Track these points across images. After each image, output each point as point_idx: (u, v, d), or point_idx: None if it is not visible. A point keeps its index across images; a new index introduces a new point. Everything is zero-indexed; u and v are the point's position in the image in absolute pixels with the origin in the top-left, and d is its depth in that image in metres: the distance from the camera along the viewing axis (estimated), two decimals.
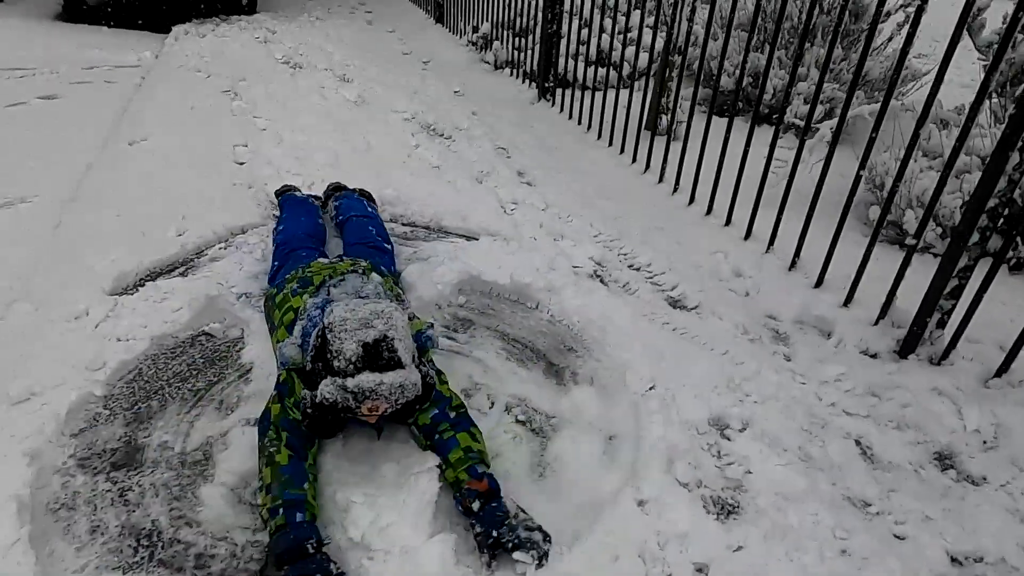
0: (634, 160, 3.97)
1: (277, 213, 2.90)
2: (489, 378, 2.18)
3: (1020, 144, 1.97)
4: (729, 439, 2.01)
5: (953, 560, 1.69)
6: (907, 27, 2.36)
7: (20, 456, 1.71)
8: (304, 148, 3.69)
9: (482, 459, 1.73)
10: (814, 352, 2.43)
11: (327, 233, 2.76)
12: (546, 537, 1.61)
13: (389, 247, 2.60)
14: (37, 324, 2.21)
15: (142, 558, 1.57)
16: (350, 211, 2.76)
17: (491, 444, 1.94)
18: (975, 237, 2.13)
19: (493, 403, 2.08)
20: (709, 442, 1.99)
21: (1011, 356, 2.21)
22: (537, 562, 1.56)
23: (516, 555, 1.56)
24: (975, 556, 1.70)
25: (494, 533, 1.58)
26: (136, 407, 1.97)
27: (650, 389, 2.15)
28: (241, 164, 3.50)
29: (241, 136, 3.83)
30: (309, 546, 1.50)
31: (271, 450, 1.66)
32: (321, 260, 2.30)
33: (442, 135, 4.22)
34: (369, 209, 2.82)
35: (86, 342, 2.14)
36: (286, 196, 2.92)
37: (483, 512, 1.62)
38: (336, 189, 3.04)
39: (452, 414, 1.81)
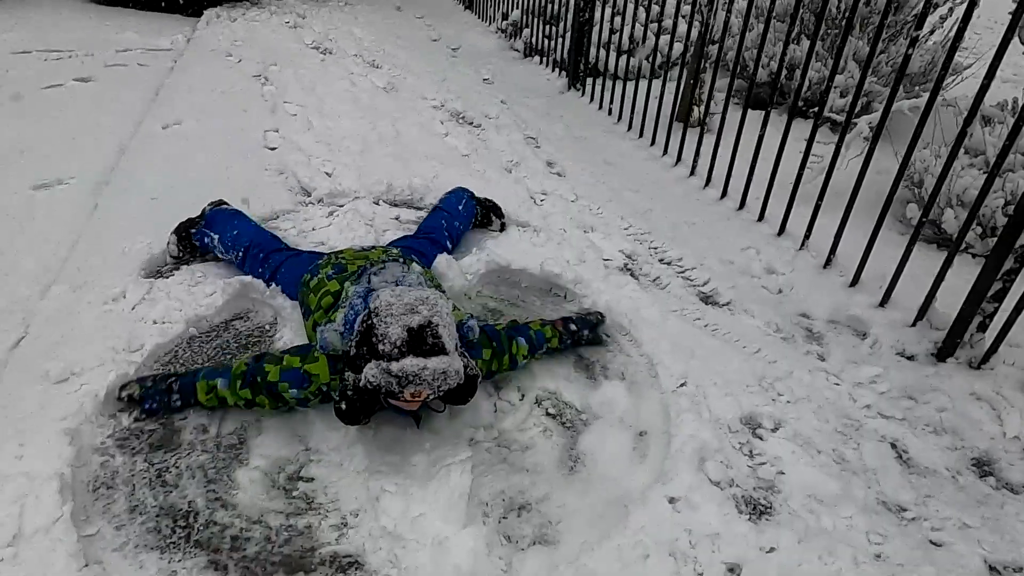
0: (665, 152, 3.93)
1: (205, 227, 2.54)
2: (520, 372, 2.17)
3: None
4: (761, 439, 1.99)
5: (992, 569, 1.66)
6: (952, 19, 2.29)
7: (61, 435, 1.74)
8: (333, 134, 3.70)
9: (549, 320, 2.22)
10: (848, 353, 2.39)
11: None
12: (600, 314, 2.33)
13: (448, 246, 2.59)
14: (75, 306, 2.25)
15: (179, 538, 1.60)
16: (444, 203, 2.79)
17: (521, 437, 1.95)
18: (1023, 239, 2.07)
19: (523, 395, 2.08)
20: (741, 441, 1.97)
21: None
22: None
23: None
24: (1015, 567, 1.67)
25: (590, 322, 2.29)
26: None
27: (681, 386, 2.13)
28: (272, 149, 3.52)
29: (272, 121, 3.85)
30: (169, 380, 1.89)
31: (238, 369, 1.84)
32: (352, 247, 2.31)
33: (471, 123, 4.21)
34: (460, 207, 2.76)
35: (123, 324, 2.17)
36: (219, 210, 2.61)
37: (577, 324, 2.24)
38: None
39: (523, 327, 2.11)
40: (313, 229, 2.81)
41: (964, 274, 2.43)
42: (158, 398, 1.87)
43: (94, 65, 4.66)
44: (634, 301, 2.51)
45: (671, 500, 1.73)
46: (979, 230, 3.13)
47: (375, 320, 1.61)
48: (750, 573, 1.58)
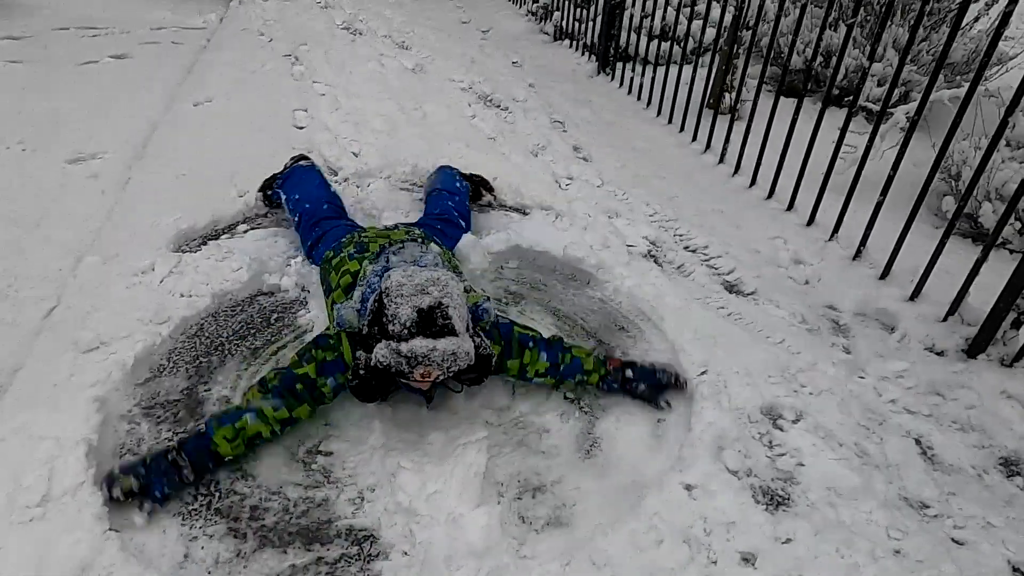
0: (694, 139, 3.87)
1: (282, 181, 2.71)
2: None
3: None
4: (782, 429, 1.96)
5: (1015, 570, 1.63)
6: (998, 6, 2.21)
7: (89, 401, 1.78)
8: (361, 114, 3.71)
9: (598, 353, 2.02)
10: (875, 346, 2.35)
11: (342, 200, 2.68)
12: (676, 371, 2.02)
13: (464, 225, 2.58)
14: (106, 277, 2.29)
15: (201, 506, 1.64)
16: (439, 184, 2.76)
17: (538, 419, 1.95)
18: None
19: None
20: (761, 431, 1.95)
21: None
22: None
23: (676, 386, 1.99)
24: None
25: (654, 379, 1.98)
26: (198, 362, 2.03)
27: (702, 374, 2.11)
28: (300, 128, 3.54)
29: (300, 101, 3.87)
30: (169, 454, 1.63)
31: (256, 399, 1.73)
32: (377, 226, 2.32)
33: (498, 106, 4.18)
34: (457, 184, 2.76)
35: (151, 296, 2.21)
36: (295, 168, 2.77)
37: (637, 372, 1.97)
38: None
39: (556, 345, 1.95)
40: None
41: (1000, 270, 2.35)
42: (165, 479, 1.60)
43: (129, 42, 4.72)
44: (657, 288, 2.48)
45: (687, 487, 1.72)
46: (1018, 225, 3.04)
47: (386, 300, 1.61)
48: (765, 563, 1.57)
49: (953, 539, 1.69)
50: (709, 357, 2.17)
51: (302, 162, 2.81)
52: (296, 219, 2.49)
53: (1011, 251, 2.98)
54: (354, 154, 3.27)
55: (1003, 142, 3.17)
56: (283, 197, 2.60)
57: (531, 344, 1.89)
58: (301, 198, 2.54)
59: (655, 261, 2.71)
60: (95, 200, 2.78)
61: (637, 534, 1.59)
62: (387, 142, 3.43)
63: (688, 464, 1.78)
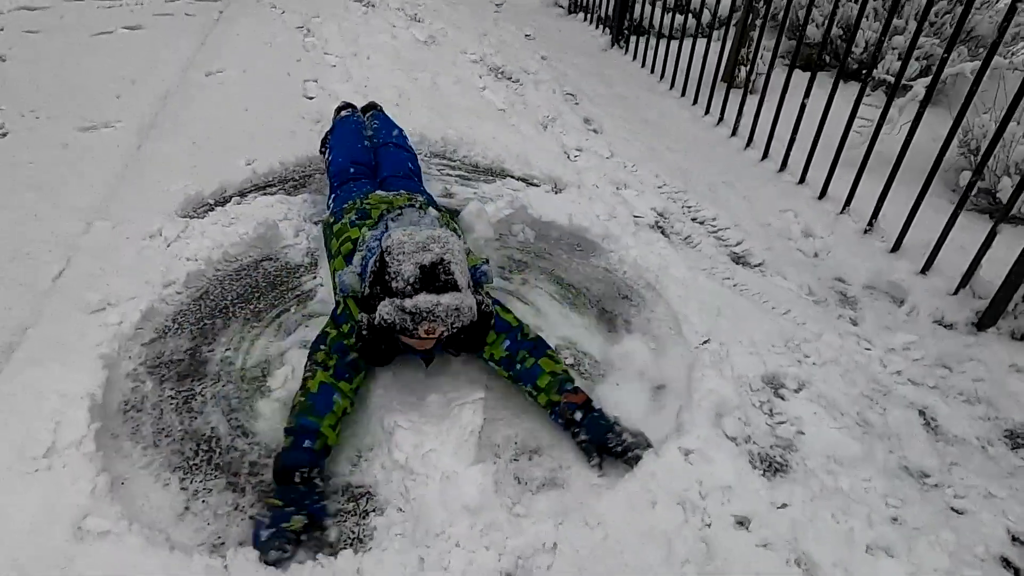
0: (707, 112, 3.81)
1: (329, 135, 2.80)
2: (541, 320, 2.18)
3: None
4: (783, 398, 1.95)
5: (1015, 539, 1.61)
6: None
7: (96, 359, 1.82)
8: (371, 85, 3.70)
9: (568, 377, 1.81)
10: (883, 319, 2.32)
11: (372, 152, 2.70)
12: (648, 442, 1.72)
13: (420, 183, 2.59)
14: (115, 241, 2.32)
15: (202, 461, 1.67)
16: (388, 138, 2.74)
17: None
18: None
19: None
20: (762, 399, 1.94)
21: None
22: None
23: (626, 459, 1.68)
24: None
25: (602, 439, 1.69)
26: (202, 323, 2.06)
27: (704, 343, 2.10)
28: (311, 99, 3.54)
29: (312, 72, 3.86)
30: (298, 474, 1.53)
31: (307, 375, 1.72)
32: (379, 192, 2.32)
33: (510, 79, 4.15)
34: (407, 138, 2.78)
35: (159, 260, 2.23)
36: (338, 121, 2.89)
37: (587, 421, 1.72)
38: (371, 107, 3.07)
39: (526, 342, 1.84)
40: None
41: (1014, 244, 2.30)
42: (314, 497, 1.54)
43: (143, 14, 4.73)
44: (663, 258, 2.47)
45: (685, 452, 1.72)
46: None
47: (388, 259, 1.62)
48: (759, 526, 1.57)
49: (953, 508, 1.67)
50: (712, 326, 2.16)
51: (343, 112, 2.91)
52: (329, 180, 2.55)
53: None
54: None
55: (1022, 115, 3.08)
56: (327, 153, 2.68)
57: (504, 330, 1.84)
58: (335, 156, 2.60)
59: (662, 232, 2.69)
60: (107, 167, 2.80)
61: (632, 496, 1.59)
62: (396, 112, 3.40)
63: (687, 430, 1.78)
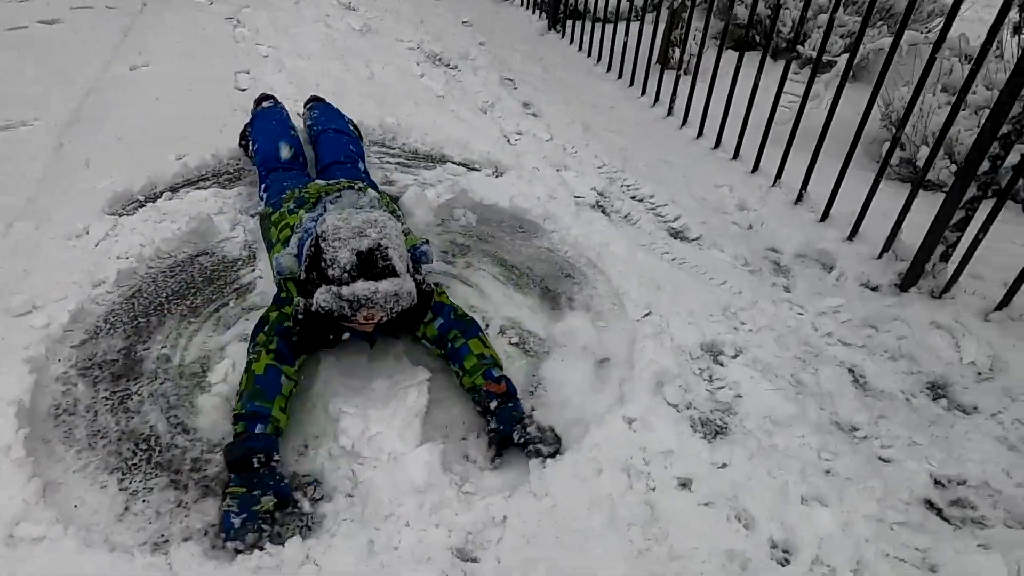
0: (643, 93, 3.87)
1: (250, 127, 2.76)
2: (485, 302, 2.19)
3: None
4: (722, 364, 2.01)
5: (936, 483, 1.71)
6: None
7: (21, 364, 1.74)
8: (306, 75, 3.63)
9: (496, 363, 1.78)
10: (814, 284, 2.41)
11: (300, 142, 2.67)
12: (557, 438, 1.68)
13: (363, 167, 2.57)
14: (38, 241, 2.23)
15: (141, 461, 1.62)
16: (327, 124, 2.71)
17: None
18: (985, 166, 2.07)
19: (488, 325, 2.09)
20: (701, 367, 2.00)
21: (1012, 290, 2.18)
22: (545, 459, 1.62)
23: (527, 451, 1.63)
24: (959, 480, 1.72)
25: (508, 430, 1.65)
26: (136, 322, 1.99)
27: (645, 316, 2.15)
28: (243, 90, 3.45)
29: (243, 63, 3.76)
30: (256, 459, 1.51)
31: (252, 357, 1.69)
32: (318, 182, 2.29)
33: (448, 65, 4.13)
34: (348, 125, 2.76)
35: (87, 260, 2.15)
36: (259, 112, 2.83)
37: (500, 411, 1.68)
38: (313, 99, 3.02)
39: (459, 322, 1.84)
40: None
41: (932, 209, 2.42)
42: (277, 478, 1.53)
43: (60, 7, 4.51)
44: (603, 236, 2.51)
45: (628, 421, 1.76)
46: (953, 167, 3.12)
47: (323, 244, 1.60)
48: (700, 486, 1.62)
49: (880, 457, 1.77)
50: (652, 299, 2.21)
51: (264, 103, 2.83)
52: (257, 168, 2.50)
53: (945, 192, 3.06)
54: (299, 114, 3.20)
55: (939, 88, 3.24)
56: (251, 145, 2.62)
57: (438, 311, 1.84)
58: (260, 145, 2.55)
59: (602, 211, 2.73)
60: (26, 167, 2.67)
61: (578, 465, 1.63)
62: (334, 102, 3.36)
63: (629, 400, 1.82)
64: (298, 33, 4.28)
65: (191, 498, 1.56)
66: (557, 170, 2.97)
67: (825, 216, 2.72)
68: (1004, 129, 1.99)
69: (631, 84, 4.00)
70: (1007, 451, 1.80)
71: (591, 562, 1.45)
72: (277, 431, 1.61)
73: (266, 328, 1.73)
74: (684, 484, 1.63)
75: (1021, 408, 1.93)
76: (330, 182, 2.27)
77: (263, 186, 2.38)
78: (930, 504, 1.66)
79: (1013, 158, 2.11)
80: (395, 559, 1.42)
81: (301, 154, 2.59)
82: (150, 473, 1.60)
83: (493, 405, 1.69)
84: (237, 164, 2.82)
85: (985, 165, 2.07)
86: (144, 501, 1.54)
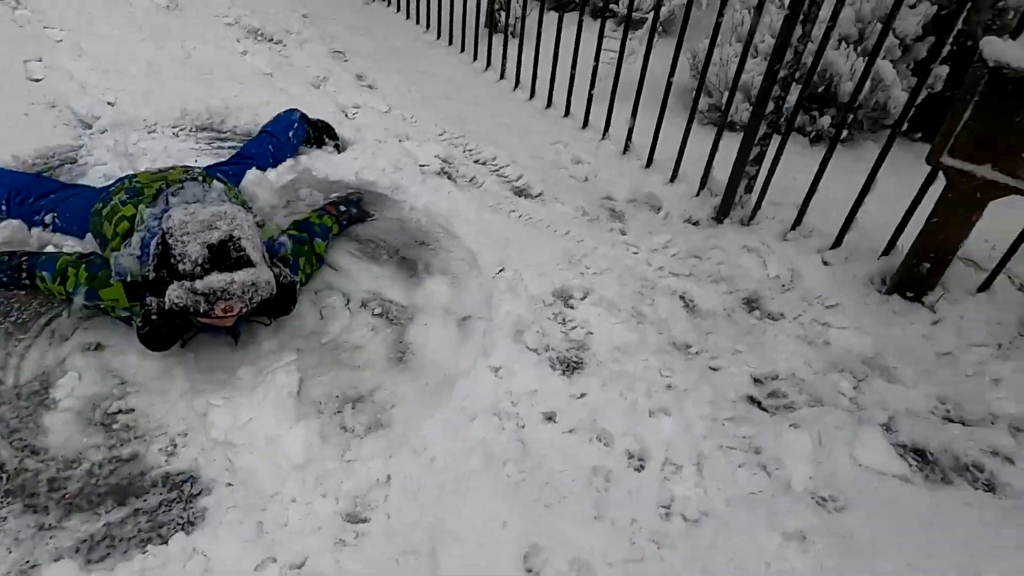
0: (475, 58, 3.96)
1: None
2: (343, 279, 2.21)
3: (802, 17, 2.21)
4: (572, 307, 2.20)
5: (756, 381, 2.01)
6: None
7: None
8: (111, 59, 3.33)
9: (321, 214, 2.25)
10: (645, 225, 2.67)
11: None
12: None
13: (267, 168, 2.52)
14: None
15: None
16: (271, 126, 2.68)
17: (349, 338, 2.00)
18: (770, 106, 2.38)
19: (349, 300, 2.12)
20: (554, 312, 2.17)
21: (802, 212, 2.55)
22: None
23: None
24: (772, 375, 2.03)
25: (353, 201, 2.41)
26: None
27: (499, 272, 2.28)
28: (37, 81, 3.10)
29: (32, 50, 3.36)
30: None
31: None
32: (149, 169, 2.16)
33: (271, 40, 3.95)
34: (290, 131, 2.66)
35: None
36: None
37: (345, 206, 2.37)
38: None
39: (308, 225, 2.15)
40: (103, 163, 2.58)
41: (735, 148, 2.74)
42: (10, 272, 1.90)
43: None
44: (452, 201, 2.60)
45: (494, 370, 1.90)
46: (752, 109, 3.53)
47: (170, 241, 1.56)
48: (563, 417, 1.80)
49: (710, 367, 2.04)
50: (504, 256, 2.35)
51: None
52: (1, 206, 2.16)
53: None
54: (109, 103, 2.96)
55: (735, 38, 3.62)
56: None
57: (310, 234, 2.11)
58: (8, 181, 2.20)
59: (448, 177, 2.81)
60: None
61: (451, 418, 1.74)
62: (149, 87, 3.14)
63: (492, 351, 1.95)
64: (92, 13, 3.87)
65: (54, 519, 1.48)
66: (400, 140, 3.00)
67: (650, 163, 2.99)
68: (781, 73, 2.30)
69: (462, 50, 4.06)
70: (807, 346, 2.15)
71: (474, 502, 1.58)
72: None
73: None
74: (549, 418, 1.80)
75: (815, 310, 2.30)
76: (164, 169, 2.15)
77: (51, 206, 2.13)
78: (752, 399, 1.95)
79: (793, 98, 2.45)
80: (286, 535, 1.46)
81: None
82: (2, 502, 1.50)
83: (343, 208, 2.33)
84: (46, 162, 2.57)
85: (771, 106, 2.38)
86: (0, 532, 1.45)
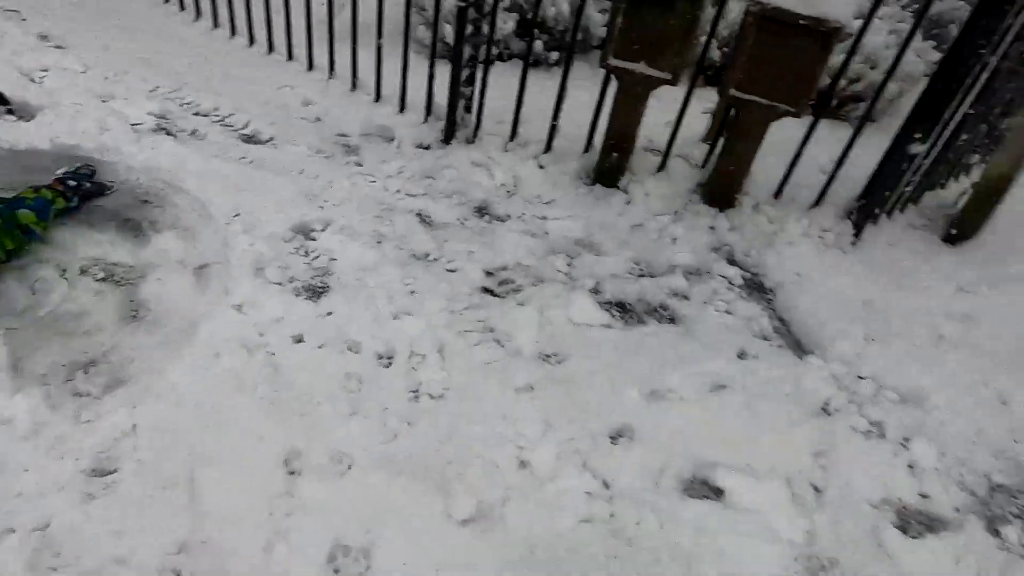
0: (182, 8, 3.71)
1: None
2: (55, 251, 2.05)
3: None
4: (314, 240, 2.27)
5: (487, 273, 2.27)
6: None
7: None
8: None
9: (39, 188, 2.08)
10: (379, 155, 2.79)
11: None
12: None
13: None
14: None
15: None
16: None
17: (71, 307, 1.90)
18: (469, 30, 2.60)
19: (65, 270, 1.99)
20: (296, 246, 2.23)
21: (515, 124, 2.84)
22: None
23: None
24: (502, 267, 2.30)
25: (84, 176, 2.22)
26: None
27: (235, 217, 2.27)
28: None
29: None
30: None
31: None
32: None
33: None
34: None
35: None
36: None
37: (73, 183, 2.16)
38: None
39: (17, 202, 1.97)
40: None
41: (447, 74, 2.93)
42: None
43: None
44: (174, 157, 2.49)
45: (237, 307, 1.93)
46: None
47: None
48: (312, 336, 1.90)
49: (448, 270, 2.25)
50: (238, 202, 2.33)
51: None
52: None
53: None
54: None
55: None
56: None
57: (11, 207, 1.94)
58: None
59: (167, 132, 2.67)
60: None
61: (195, 358, 1.75)
62: None
63: (233, 291, 1.98)
64: None
65: None
66: (103, 101, 2.76)
67: (378, 97, 3.09)
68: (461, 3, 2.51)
69: (166, 0, 3.77)
70: (529, 238, 2.45)
71: (229, 428, 1.63)
72: None
73: None
74: (298, 340, 1.89)
75: (536, 207, 2.62)
76: None
77: None
78: (485, 289, 2.20)
79: (508, 27, 2.68)
80: (22, 503, 1.41)
81: None
82: None
83: (72, 183, 2.15)
84: None
85: (469, 29, 2.59)
86: None
